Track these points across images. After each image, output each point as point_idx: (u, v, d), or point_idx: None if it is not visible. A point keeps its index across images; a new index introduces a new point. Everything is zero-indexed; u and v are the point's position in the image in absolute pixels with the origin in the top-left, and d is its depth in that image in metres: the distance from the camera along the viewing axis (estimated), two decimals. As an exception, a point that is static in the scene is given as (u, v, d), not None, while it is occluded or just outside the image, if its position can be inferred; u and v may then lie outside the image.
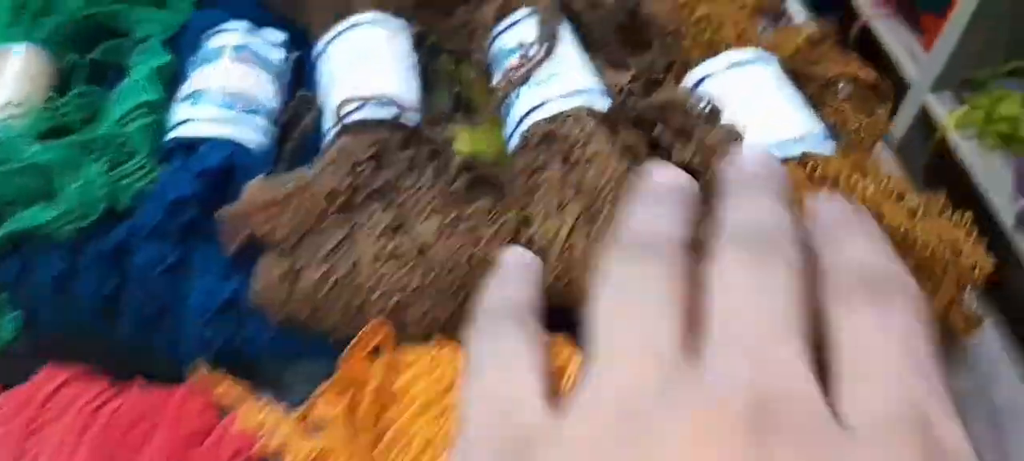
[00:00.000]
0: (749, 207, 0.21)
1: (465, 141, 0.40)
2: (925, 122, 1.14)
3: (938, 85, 1.11)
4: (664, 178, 0.22)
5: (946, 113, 1.09)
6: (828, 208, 0.23)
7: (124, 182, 0.32)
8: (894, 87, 0.43)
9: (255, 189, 0.33)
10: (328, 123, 0.37)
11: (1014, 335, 0.44)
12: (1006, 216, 0.98)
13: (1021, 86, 1.05)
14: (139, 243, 0.31)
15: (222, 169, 0.34)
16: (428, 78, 0.42)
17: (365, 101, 0.35)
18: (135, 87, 0.36)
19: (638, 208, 0.21)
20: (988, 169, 1.03)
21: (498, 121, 0.40)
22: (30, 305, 0.33)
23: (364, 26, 0.40)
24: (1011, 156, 1.03)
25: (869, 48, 1.18)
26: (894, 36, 1.21)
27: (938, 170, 1.09)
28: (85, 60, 0.40)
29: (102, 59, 0.40)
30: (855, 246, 0.21)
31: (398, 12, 0.42)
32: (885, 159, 0.45)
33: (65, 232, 0.31)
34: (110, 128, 0.34)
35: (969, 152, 1.05)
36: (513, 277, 0.24)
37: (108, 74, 0.41)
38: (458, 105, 0.42)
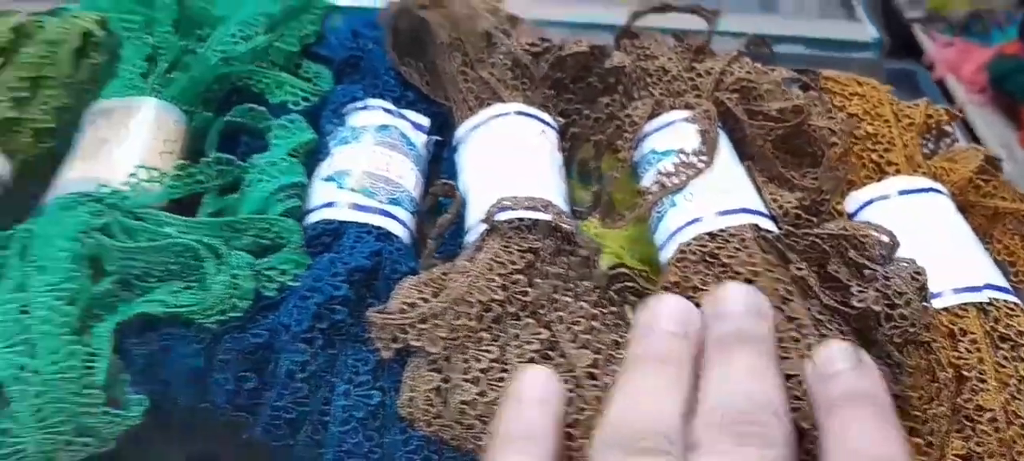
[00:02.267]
0: (734, 377, 0.23)
1: (610, 243, 0.37)
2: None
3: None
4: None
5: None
6: (839, 379, 0.25)
7: (271, 273, 0.30)
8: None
9: (406, 292, 0.31)
10: (473, 217, 0.35)
11: None
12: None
13: None
14: (283, 344, 0.29)
15: (372, 266, 0.32)
16: (567, 169, 0.40)
17: (520, 203, 0.33)
18: (282, 166, 0.34)
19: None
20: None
21: (643, 224, 0.38)
22: (160, 389, 0.31)
23: (511, 116, 0.38)
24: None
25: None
26: (989, 129, 1.17)
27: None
28: (220, 122, 0.38)
29: (237, 122, 0.39)
30: (863, 430, 0.23)
31: (544, 100, 0.40)
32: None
33: (210, 321, 0.29)
34: (254, 208, 0.33)
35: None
36: (528, 405, 0.26)
37: (239, 138, 0.40)
38: (597, 202, 0.40)
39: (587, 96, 0.43)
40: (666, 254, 0.36)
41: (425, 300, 0.30)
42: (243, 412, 0.30)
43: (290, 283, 0.30)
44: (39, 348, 0.29)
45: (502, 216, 0.33)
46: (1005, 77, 0.97)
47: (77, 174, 0.35)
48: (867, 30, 0.56)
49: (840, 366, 0.26)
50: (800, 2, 0.78)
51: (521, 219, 0.33)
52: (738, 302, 0.27)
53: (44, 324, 0.29)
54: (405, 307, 0.30)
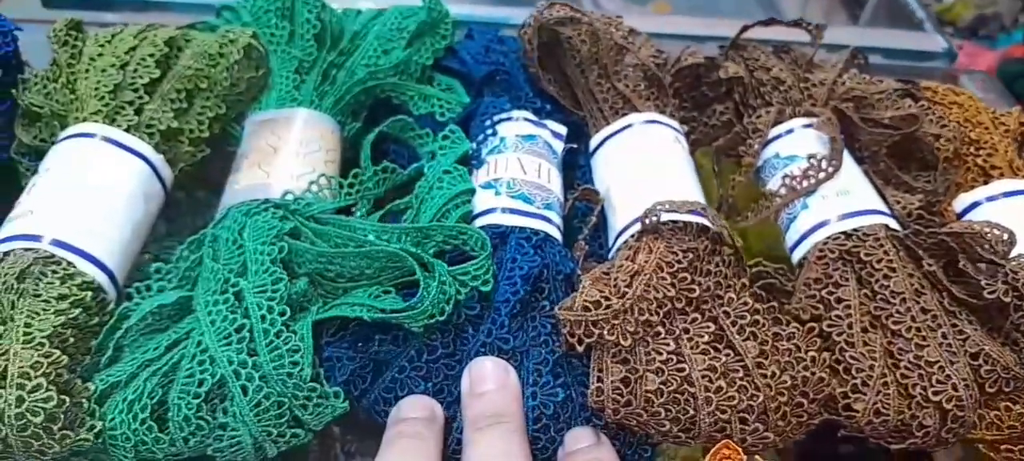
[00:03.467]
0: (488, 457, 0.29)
1: (749, 243, 0.40)
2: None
3: None
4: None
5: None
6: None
7: (465, 278, 0.32)
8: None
9: (588, 291, 0.33)
10: (619, 219, 0.38)
11: None
12: None
13: None
14: (473, 350, 0.32)
15: (540, 269, 0.34)
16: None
17: (676, 206, 0.36)
18: (454, 175, 0.36)
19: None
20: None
21: (767, 225, 0.41)
22: (355, 388, 0.33)
23: (647, 125, 0.41)
24: None
25: None
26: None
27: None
28: (373, 132, 0.40)
29: (388, 133, 0.41)
30: None
31: (673, 109, 0.42)
32: None
33: (418, 325, 0.31)
34: (432, 215, 0.35)
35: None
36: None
37: (385, 147, 0.42)
38: (720, 204, 0.43)
39: (699, 103, 0.46)
40: (799, 253, 0.38)
41: (607, 298, 0.33)
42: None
43: (481, 288, 0.33)
44: (258, 345, 0.31)
45: (662, 218, 0.36)
46: (1014, 79, 1.01)
47: (251, 181, 0.37)
48: (938, 41, 0.59)
49: (583, 443, 0.32)
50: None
51: (676, 221, 0.36)
52: (491, 380, 0.31)
53: (259, 323, 0.31)
54: (589, 305, 0.33)
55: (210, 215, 0.43)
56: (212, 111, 0.41)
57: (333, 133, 0.40)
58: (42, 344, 0.30)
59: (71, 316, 0.31)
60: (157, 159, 0.38)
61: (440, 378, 0.32)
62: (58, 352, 0.30)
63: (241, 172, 0.38)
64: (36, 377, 0.29)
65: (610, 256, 0.38)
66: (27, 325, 0.30)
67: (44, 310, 0.31)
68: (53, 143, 0.40)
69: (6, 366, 0.29)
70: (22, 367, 0.29)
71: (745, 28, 0.46)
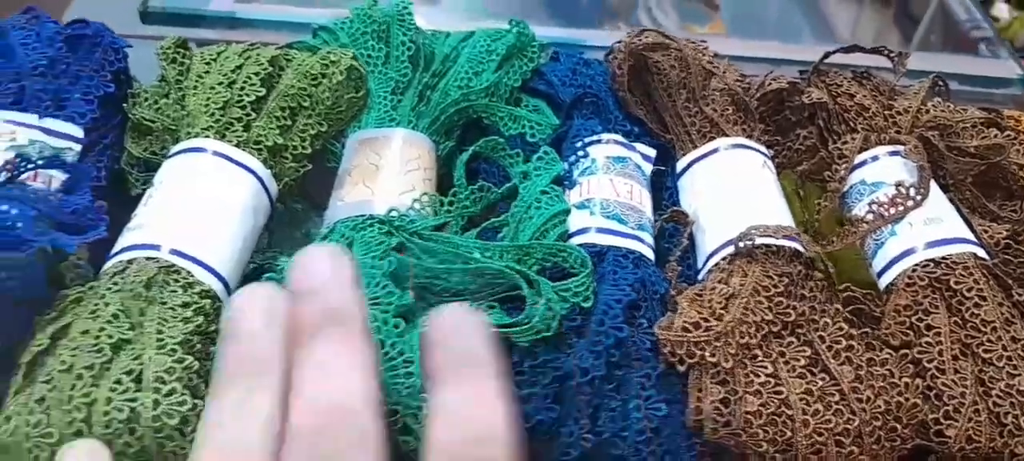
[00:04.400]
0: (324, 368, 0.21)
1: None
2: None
3: None
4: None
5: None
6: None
7: (567, 295, 0.34)
8: None
9: (687, 312, 0.34)
10: (709, 241, 0.39)
11: None
12: None
13: None
14: (577, 376, 0.33)
15: (639, 291, 0.35)
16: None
17: (771, 231, 0.37)
18: (553, 196, 0.38)
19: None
20: None
21: (853, 250, 0.41)
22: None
23: (734, 150, 0.42)
24: None
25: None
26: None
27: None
28: (466, 152, 0.42)
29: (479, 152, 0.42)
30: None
31: (759, 134, 0.43)
32: None
33: (525, 340, 0.33)
34: (531, 234, 0.36)
35: None
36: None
37: (477, 166, 0.43)
38: (805, 229, 0.43)
39: (781, 127, 0.46)
40: (886, 279, 0.39)
41: (705, 320, 0.34)
42: (541, 439, 0.33)
43: (582, 304, 0.34)
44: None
45: (756, 242, 0.37)
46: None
47: (356, 197, 0.39)
48: (1012, 67, 0.59)
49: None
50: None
51: (769, 245, 0.37)
52: (323, 273, 0.23)
53: (375, 334, 0.33)
54: (689, 326, 0.34)
55: (306, 227, 0.44)
56: (313, 128, 0.42)
57: (430, 152, 0.42)
58: (174, 350, 0.31)
59: (196, 324, 0.33)
60: (265, 174, 0.40)
61: (548, 381, 0.33)
62: (190, 358, 0.31)
63: (345, 188, 0.40)
64: (170, 381, 0.30)
65: (700, 278, 0.39)
66: (159, 332, 0.32)
67: (172, 317, 0.33)
68: (163, 156, 0.42)
69: (141, 370, 0.31)
70: (157, 372, 0.30)
71: (827, 54, 0.47)
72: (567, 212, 0.38)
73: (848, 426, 0.33)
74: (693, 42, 0.45)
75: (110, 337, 0.31)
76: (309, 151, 0.42)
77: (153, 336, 0.31)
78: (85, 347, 0.31)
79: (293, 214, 0.43)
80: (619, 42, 0.44)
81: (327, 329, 0.22)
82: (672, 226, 0.41)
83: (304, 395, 0.21)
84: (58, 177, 0.39)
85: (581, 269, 0.34)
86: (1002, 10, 1.11)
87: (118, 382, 0.30)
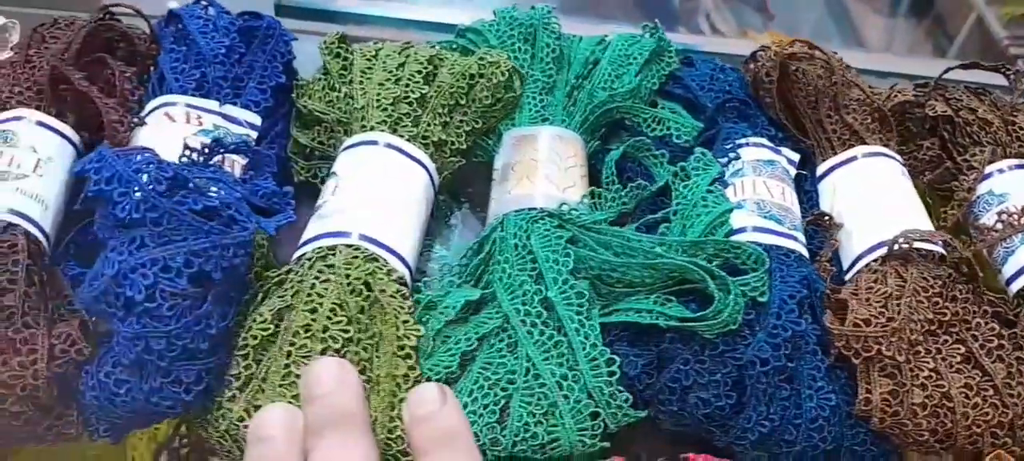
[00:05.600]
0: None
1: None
2: None
3: None
4: None
5: None
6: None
7: (746, 289, 0.36)
8: None
9: (858, 309, 0.37)
10: (855, 244, 0.41)
11: None
12: None
13: None
14: (757, 367, 0.35)
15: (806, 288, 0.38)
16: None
17: (924, 236, 0.39)
18: (717, 195, 0.40)
19: None
20: None
21: (980, 257, 0.44)
22: (640, 383, 0.36)
23: (874, 158, 0.44)
24: None
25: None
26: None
27: None
28: (616, 151, 0.44)
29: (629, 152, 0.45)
30: None
31: (894, 146, 0.46)
32: None
33: (712, 333, 0.35)
34: (701, 231, 0.39)
35: None
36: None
37: (622, 165, 0.45)
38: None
39: (903, 138, 0.49)
40: (1017, 285, 0.42)
41: (875, 316, 0.36)
42: (717, 424, 0.36)
43: (759, 299, 0.36)
44: (578, 358, 0.35)
45: (912, 246, 0.39)
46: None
47: (521, 191, 0.41)
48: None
49: (430, 407, 0.27)
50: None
51: (920, 249, 0.39)
52: (328, 381, 0.27)
53: (575, 336, 0.35)
54: (860, 322, 0.36)
55: (449, 217, 0.47)
56: (469, 125, 0.45)
57: (582, 150, 0.44)
58: (409, 355, 0.34)
59: (407, 310, 0.35)
60: (432, 167, 0.42)
61: (728, 370, 0.35)
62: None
63: (509, 182, 0.42)
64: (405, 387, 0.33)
65: (846, 278, 0.41)
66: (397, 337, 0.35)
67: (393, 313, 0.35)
68: (330, 146, 0.44)
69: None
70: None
71: (948, 70, 0.50)
72: (730, 211, 0.40)
73: (1002, 419, 0.35)
74: (836, 53, 0.47)
75: (335, 340, 0.34)
76: (465, 147, 0.45)
77: (393, 342, 0.35)
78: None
79: (437, 205, 0.45)
80: (763, 48, 0.47)
81: (334, 427, 0.26)
82: (812, 228, 0.44)
83: None
84: (239, 162, 0.41)
85: (758, 266, 0.37)
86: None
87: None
